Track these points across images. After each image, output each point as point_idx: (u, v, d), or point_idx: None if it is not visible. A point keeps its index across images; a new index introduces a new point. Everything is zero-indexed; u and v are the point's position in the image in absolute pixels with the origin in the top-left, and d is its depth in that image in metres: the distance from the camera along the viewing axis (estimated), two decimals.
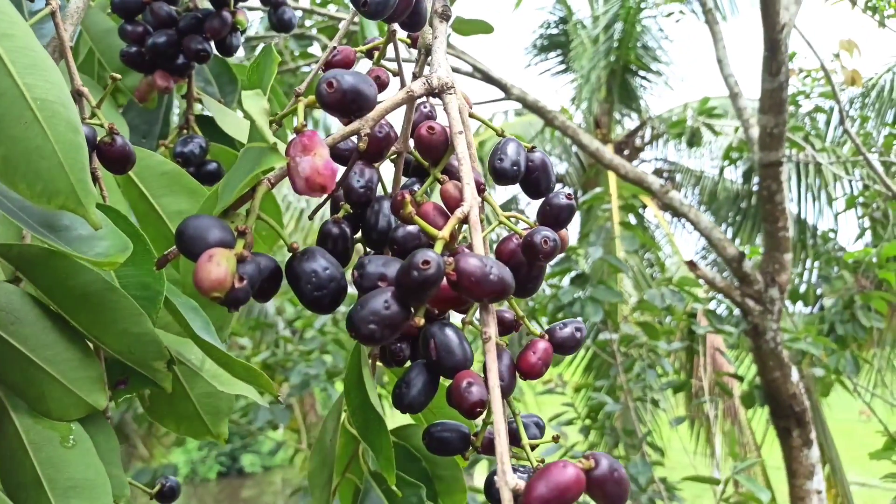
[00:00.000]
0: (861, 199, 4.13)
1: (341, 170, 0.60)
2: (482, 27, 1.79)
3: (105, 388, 0.60)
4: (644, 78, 8.58)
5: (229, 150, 0.93)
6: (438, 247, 0.45)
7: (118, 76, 0.71)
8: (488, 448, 0.59)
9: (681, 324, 3.69)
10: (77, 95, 0.67)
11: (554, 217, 0.57)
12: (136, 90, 0.87)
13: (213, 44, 0.86)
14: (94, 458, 0.58)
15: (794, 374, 2.92)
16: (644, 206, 6.45)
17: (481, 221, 0.50)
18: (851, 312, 3.38)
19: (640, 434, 3.23)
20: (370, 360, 0.67)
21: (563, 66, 9.16)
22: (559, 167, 8.33)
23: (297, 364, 3.74)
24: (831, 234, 5.73)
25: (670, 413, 4.15)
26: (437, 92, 0.52)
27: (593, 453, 0.41)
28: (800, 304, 4.66)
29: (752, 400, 3.23)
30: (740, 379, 3.45)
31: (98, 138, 0.66)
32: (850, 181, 6.15)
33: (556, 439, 0.64)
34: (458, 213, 0.47)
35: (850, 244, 5.68)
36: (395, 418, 0.76)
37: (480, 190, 0.54)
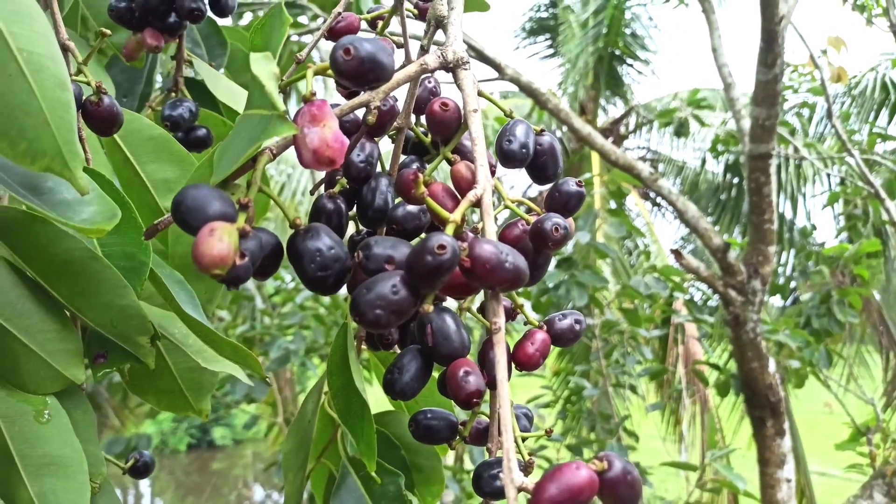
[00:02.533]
0: (842, 198, 4.18)
1: None
2: (478, 4, 1.75)
3: (83, 362, 0.57)
4: (631, 66, 8.56)
5: (217, 117, 0.89)
6: (450, 230, 0.43)
7: (108, 31, 0.67)
8: (476, 438, 0.58)
9: (657, 311, 3.71)
10: (63, 50, 0.63)
11: (563, 204, 0.54)
12: (125, 48, 0.82)
13: (206, 3, 0.81)
14: (70, 434, 0.55)
15: (772, 365, 2.96)
16: (627, 194, 6.47)
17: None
18: (828, 307, 3.43)
19: (617, 419, 3.26)
20: (356, 342, 0.65)
21: (551, 51, 9.11)
22: None
23: (275, 338, 3.71)
24: (809, 229, 5.79)
25: (642, 400, 4.20)
26: (451, 66, 0.50)
27: (606, 454, 0.39)
28: (774, 296, 4.73)
29: (727, 389, 3.27)
30: (717, 368, 3.49)
31: (84, 97, 0.62)
32: (828, 175, 6.22)
33: (548, 433, 0.62)
34: (471, 195, 0.45)
35: (829, 240, 5.76)
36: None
37: (492, 172, 0.51)
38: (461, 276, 0.42)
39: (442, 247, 0.39)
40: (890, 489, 2.61)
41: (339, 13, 0.63)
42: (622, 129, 8.78)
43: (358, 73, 0.41)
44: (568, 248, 3.48)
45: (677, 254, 2.98)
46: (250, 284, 4.27)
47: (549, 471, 0.37)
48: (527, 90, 2.95)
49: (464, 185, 0.49)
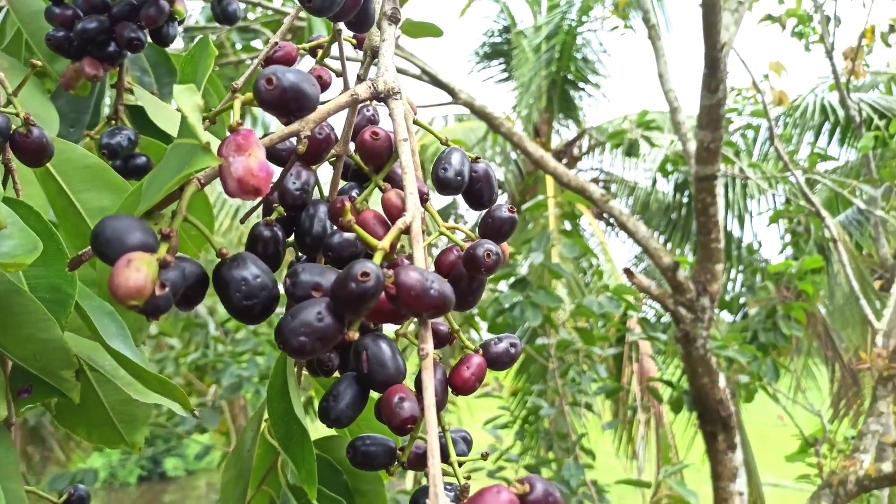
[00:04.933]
0: (785, 216, 4.34)
1: (278, 171, 0.57)
2: (431, 30, 1.77)
3: (6, 397, 0.56)
4: (583, 90, 8.77)
5: (160, 144, 0.88)
6: (378, 258, 0.44)
7: (38, 63, 0.66)
8: (415, 463, 0.58)
9: (611, 330, 3.77)
10: None
11: (496, 230, 0.56)
12: (63, 77, 0.81)
13: (147, 32, 0.81)
14: None
15: (722, 381, 3.03)
16: (580, 215, 6.58)
17: (423, 232, 0.48)
18: (773, 321, 3.53)
19: (574, 437, 3.28)
20: (296, 368, 0.64)
21: (505, 74, 9.27)
22: (498, 173, 8.41)
23: (228, 365, 3.63)
24: (756, 246, 5.98)
25: (598, 418, 4.24)
26: (382, 97, 0.51)
27: (529, 477, 0.40)
28: (723, 311, 4.85)
29: (681, 405, 3.33)
30: (671, 385, 3.55)
31: (13, 128, 0.62)
32: (773, 195, 6.44)
33: (484, 457, 0.63)
34: (400, 223, 0.45)
35: (774, 256, 5.95)
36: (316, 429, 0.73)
37: (424, 199, 0.52)
38: (388, 302, 0.43)
39: (365, 274, 0.39)
40: (836, 499, 2.69)
41: (277, 42, 0.63)
42: (575, 151, 8.95)
43: (280, 103, 0.41)
44: (523, 269, 3.52)
45: (629, 273, 3.03)
46: (202, 310, 4.19)
47: (472, 496, 0.38)
48: (480, 114, 2.99)
49: (394, 213, 0.50)
